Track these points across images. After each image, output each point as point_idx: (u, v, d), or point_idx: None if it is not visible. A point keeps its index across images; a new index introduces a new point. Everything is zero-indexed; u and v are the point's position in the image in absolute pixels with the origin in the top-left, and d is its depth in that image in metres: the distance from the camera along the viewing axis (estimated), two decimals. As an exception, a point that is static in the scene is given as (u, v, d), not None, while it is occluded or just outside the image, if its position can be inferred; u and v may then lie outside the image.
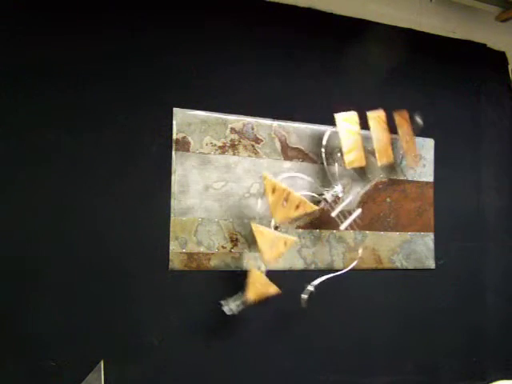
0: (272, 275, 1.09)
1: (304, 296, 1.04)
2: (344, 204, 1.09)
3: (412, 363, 1.23)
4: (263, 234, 0.98)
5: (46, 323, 0.91)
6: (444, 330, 1.27)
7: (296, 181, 1.10)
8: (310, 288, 1.04)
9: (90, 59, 0.97)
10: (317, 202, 1.10)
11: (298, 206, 1.01)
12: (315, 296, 1.09)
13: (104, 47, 0.98)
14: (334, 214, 1.09)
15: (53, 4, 0.95)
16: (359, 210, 1.10)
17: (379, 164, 1.13)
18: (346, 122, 1.09)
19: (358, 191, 1.18)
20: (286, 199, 0.99)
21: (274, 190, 0.99)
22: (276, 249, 0.99)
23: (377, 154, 1.13)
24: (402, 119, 1.18)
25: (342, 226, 1.09)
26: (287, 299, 1.10)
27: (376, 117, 1.13)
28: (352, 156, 1.09)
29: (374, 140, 1.12)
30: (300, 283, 1.11)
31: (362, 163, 1.10)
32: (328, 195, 1.08)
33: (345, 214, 1.10)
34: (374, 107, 1.22)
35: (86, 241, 0.94)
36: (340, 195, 1.09)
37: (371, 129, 1.13)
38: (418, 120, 1.17)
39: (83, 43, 0.97)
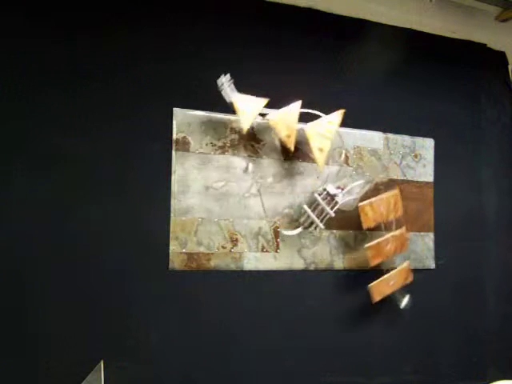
0: (271, 275, 1.09)
1: None
2: (327, 209, 1.08)
3: (412, 363, 1.22)
4: (283, 114, 1.04)
5: (46, 323, 0.91)
6: (444, 330, 1.27)
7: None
8: None
9: (90, 60, 0.97)
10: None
11: (321, 150, 1.06)
12: (314, 296, 1.10)
13: (104, 48, 0.98)
14: (315, 195, 1.08)
15: (54, 5, 0.95)
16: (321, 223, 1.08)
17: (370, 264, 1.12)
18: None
19: (357, 192, 1.18)
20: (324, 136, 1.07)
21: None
22: (283, 128, 1.04)
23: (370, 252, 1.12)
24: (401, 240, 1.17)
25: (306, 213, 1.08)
26: (287, 299, 1.10)
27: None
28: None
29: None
30: (300, 283, 1.11)
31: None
32: (330, 188, 1.07)
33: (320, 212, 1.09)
34: (374, 107, 1.22)
35: (86, 241, 0.94)
36: (337, 200, 1.07)
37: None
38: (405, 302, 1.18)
39: (84, 44, 0.97)
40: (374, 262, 1.12)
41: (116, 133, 0.98)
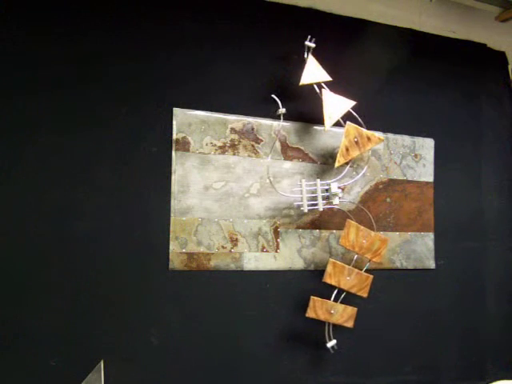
0: (271, 275, 1.09)
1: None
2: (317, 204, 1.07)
3: (412, 363, 1.23)
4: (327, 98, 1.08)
5: (46, 323, 0.91)
6: (444, 330, 1.27)
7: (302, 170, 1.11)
8: None
9: (89, 59, 0.97)
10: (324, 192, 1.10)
11: (347, 151, 1.08)
12: (313, 295, 1.09)
13: (104, 47, 0.98)
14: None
15: (52, 3, 0.95)
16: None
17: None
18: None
19: (357, 191, 1.18)
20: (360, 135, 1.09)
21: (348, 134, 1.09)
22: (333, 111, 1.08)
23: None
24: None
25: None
26: (287, 299, 1.10)
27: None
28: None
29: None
30: (300, 283, 1.11)
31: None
32: (333, 186, 1.07)
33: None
34: (374, 107, 1.22)
35: (86, 241, 0.94)
36: (333, 201, 1.07)
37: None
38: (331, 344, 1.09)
39: (83, 43, 0.97)
40: (328, 279, 1.07)
41: (116, 132, 0.98)
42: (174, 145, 1.02)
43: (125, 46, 1.00)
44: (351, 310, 1.09)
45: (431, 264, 1.27)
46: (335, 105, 1.08)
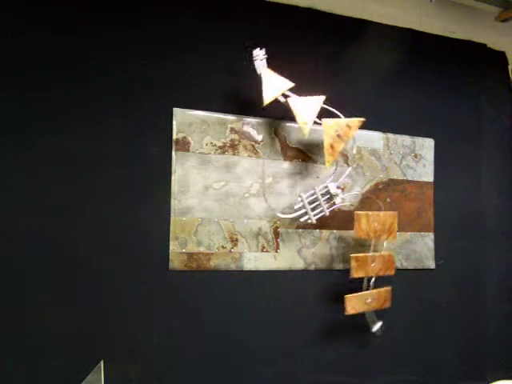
0: (271, 275, 1.09)
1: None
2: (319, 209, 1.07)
3: (412, 363, 1.23)
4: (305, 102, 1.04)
5: (46, 323, 0.91)
6: (444, 330, 1.27)
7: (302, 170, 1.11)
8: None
9: (90, 59, 0.97)
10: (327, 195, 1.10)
11: (332, 147, 1.05)
12: (313, 296, 1.10)
13: (104, 47, 0.98)
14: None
15: (53, 3, 0.95)
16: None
17: None
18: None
19: (356, 193, 1.18)
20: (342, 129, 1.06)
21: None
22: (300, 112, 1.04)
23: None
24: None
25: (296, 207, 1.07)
26: (287, 299, 1.10)
27: None
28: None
29: None
30: (300, 283, 1.11)
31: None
32: (331, 186, 1.07)
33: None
34: (373, 107, 1.22)
35: (86, 241, 0.94)
36: (335, 201, 1.07)
37: None
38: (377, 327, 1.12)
39: (83, 43, 0.97)
40: (355, 274, 1.08)
41: (116, 133, 0.98)
42: (174, 145, 1.02)
43: (125, 45, 1.00)
44: (385, 292, 1.10)
45: (431, 264, 1.27)
46: (306, 107, 1.04)
